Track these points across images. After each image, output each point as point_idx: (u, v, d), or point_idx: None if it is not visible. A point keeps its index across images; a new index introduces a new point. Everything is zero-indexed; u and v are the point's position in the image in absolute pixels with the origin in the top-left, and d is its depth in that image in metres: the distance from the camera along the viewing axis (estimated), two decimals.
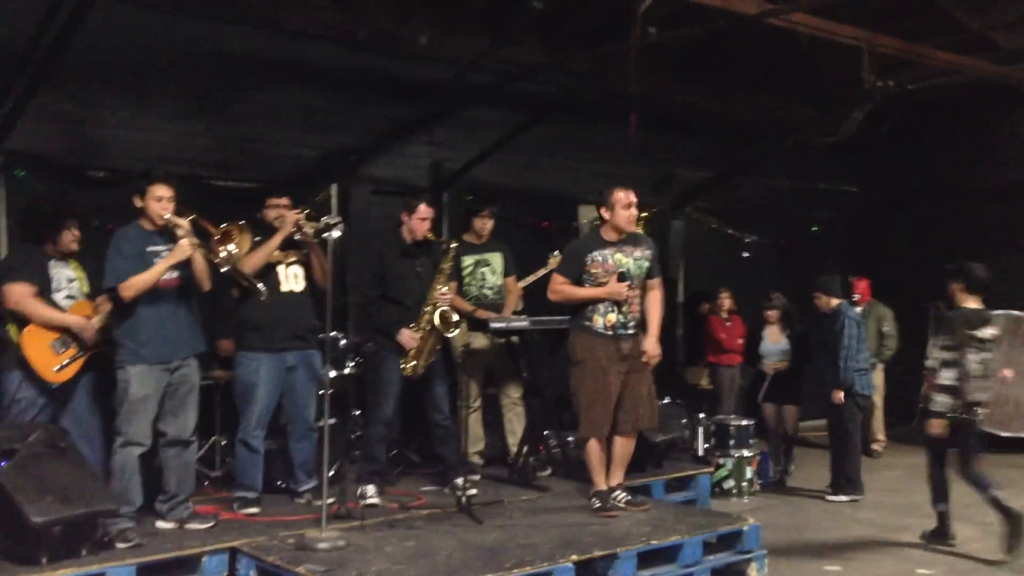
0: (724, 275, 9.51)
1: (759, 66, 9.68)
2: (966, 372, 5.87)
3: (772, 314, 8.22)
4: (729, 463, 7.59)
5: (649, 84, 8.28)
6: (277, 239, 5.53)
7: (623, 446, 5.67)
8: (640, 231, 5.97)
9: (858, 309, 9.33)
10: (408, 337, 5.84)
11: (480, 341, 6.58)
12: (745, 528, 5.37)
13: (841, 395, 7.47)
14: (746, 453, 7.63)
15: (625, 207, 5.57)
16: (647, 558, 4.95)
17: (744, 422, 7.73)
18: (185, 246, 5.00)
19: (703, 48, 8.78)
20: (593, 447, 5.58)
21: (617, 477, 5.73)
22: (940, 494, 6.23)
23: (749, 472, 7.63)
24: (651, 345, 5.61)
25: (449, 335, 5.98)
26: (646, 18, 6.92)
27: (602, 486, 5.60)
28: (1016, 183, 10.44)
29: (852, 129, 8.70)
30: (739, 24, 7.48)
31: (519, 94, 8.48)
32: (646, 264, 5.67)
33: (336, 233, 5.04)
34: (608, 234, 5.62)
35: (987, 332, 5.98)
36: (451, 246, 6.10)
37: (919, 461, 7.98)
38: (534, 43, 8.64)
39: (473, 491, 5.76)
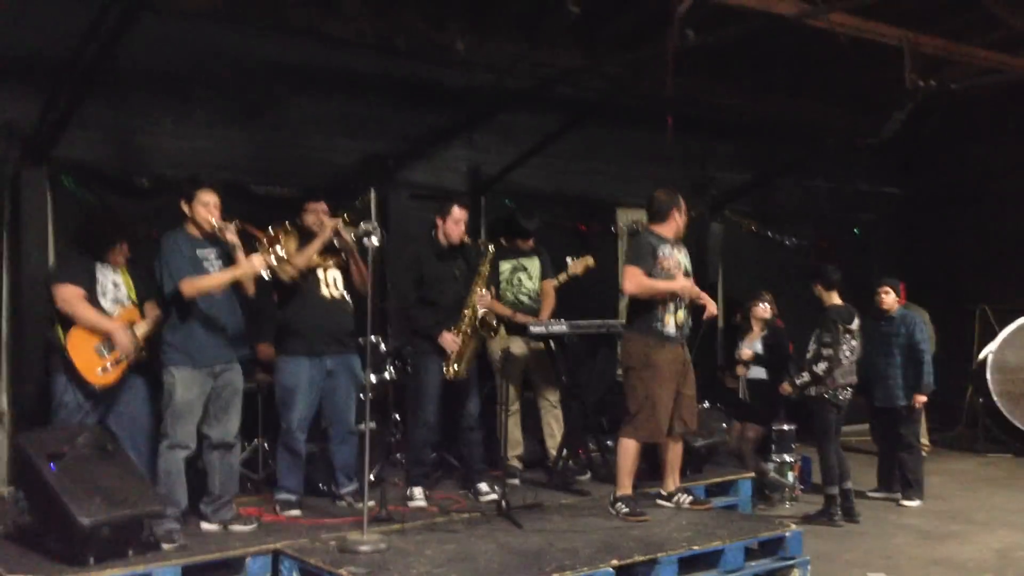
0: (763, 279, 9.44)
1: (798, 67, 9.61)
2: (838, 360, 6.78)
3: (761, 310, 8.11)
4: (771, 468, 7.51)
5: (687, 86, 8.26)
6: (317, 244, 5.58)
7: (676, 450, 5.72)
8: None
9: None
10: (450, 340, 5.86)
11: (518, 345, 6.60)
12: (788, 534, 5.32)
13: (924, 399, 7.47)
14: (788, 458, 7.55)
15: (683, 212, 5.77)
16: (688, 563, 4.93)
17: (786, 427, 7.66)
18: (257, 263, 5.09)
19: (741, 50, 8.73)
20: (633, 450, 5.56)
21: (675, 480, 5.77)
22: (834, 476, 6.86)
23: (791, 477, 7.56)
24: (706, 297, 5.76)
25: (489, 338, 6.00)
26: (684, 20, 6.90)
27: (628, 490, 5.58)
28: None
29: (893, 130, 8.61)
30: (778, 25, 7.42)
31: (556, 98, 8.48)
32: (689, 265, 5.78)
33: (375, 240, 5.08)
34: (666, 232, 5.67)
35: (855, 324, 6.94)
36: (489, 249, 6.12)
37: (963, 467, 7.94)
38: (571, 47, 8.65)
39: (492, 496, 5.80)
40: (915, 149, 10.98)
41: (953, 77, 8.84)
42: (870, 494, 7.70)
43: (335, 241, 5.62)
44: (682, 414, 5.61)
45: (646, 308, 5.56)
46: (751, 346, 8.04)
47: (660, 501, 5.77)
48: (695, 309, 5.78)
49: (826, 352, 6.81)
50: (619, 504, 5.55)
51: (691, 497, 5.74)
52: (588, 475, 6.70)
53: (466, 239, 6.05)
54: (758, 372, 7.98)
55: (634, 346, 5.60)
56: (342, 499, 5.78)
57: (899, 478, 7.63)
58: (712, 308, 5.81)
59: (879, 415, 7.72)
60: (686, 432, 5.74)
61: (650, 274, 5.55)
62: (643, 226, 5.93)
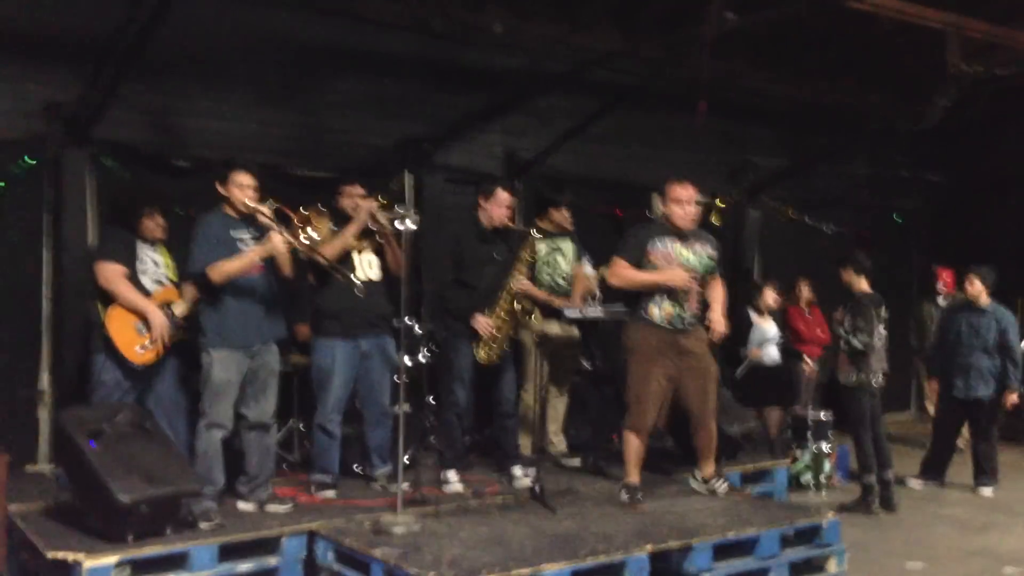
0: (801, 265, 9.33)
1: (838, 51, 9.45)
2: (873, 347, 6.72)
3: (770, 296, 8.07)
4: (807, 456, 7.46)
5: (725, 70, 8.16)
6: (353, 228, 5.58)
7: (704, 438, 5.65)
8: (702, 229, 5.83)
9: (942, 300, 9.14)
10: (484, 323, 5.85)
11: (554, 329, 6.57)
12: (824, 523, 5.27)
13: (1016, 397, 7.46)
14: (824, 447, 7.48)
15: (677, 203, 5.53)
16: (723, 550, 4.89)
17: (823, 415, 7.59)
18: (278, 241, 5.07)
19: (781, 33, 8.60)
20: (632, 440, 5.53)
21: (709, 467, 5.72)
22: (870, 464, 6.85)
23: (827, 466, 7.49)
24: (716, 316, 5.53)
25: (524, 324, 5.98)
26: (724, 2, 6.81)
27: (634, 479, 5.55)
28: None
29: (937, 116, 8.45)
30: (818, 8, 7.30)
31: (593, 82, 8.41)
32: (707, 260, 5.61)
33: (409, 224, 5.07)
34: (671, 222, 5.57)
35: (884, 312, 6.91)
36: (532, 235, 6.07)
37: (1004, 457, 7.83)
38: (609, 30, 8.57)
39: (527, 481, 5.79)
40: (958, 135, 10.77)
41: (999, 62, 8.65)
42: (911, 483, 7.64)
43: (370, 224, 5.61)
44: (691, 404, 5.52)
45: (634, 297, 5.54)
46: (765, 331, 7.94)
47: (694, 485, 5.74)
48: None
49: (862, 337, 6.73)
50: (622, 491, 5.54)
51: (725, 484, 5.70)
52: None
53: (509, 223, 6.01)
54: (772, 356, 7.92)
55: (627, 333, 5.59)
56: (376, 481, 5.81)
57: (975, 467, 7.65)
58: (717, 329, 5.54)
59: (955, 405, 7.65)
60: (711, 419, 5.61)
61: (638, 265, 5.49)
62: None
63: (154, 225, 5.43)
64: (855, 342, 6.76)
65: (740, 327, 8.03)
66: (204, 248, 5.08)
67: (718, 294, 5.64)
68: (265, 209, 5.12)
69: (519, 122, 8.63)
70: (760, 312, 8.07)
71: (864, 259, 7.05)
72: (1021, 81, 9.34)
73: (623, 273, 5.52)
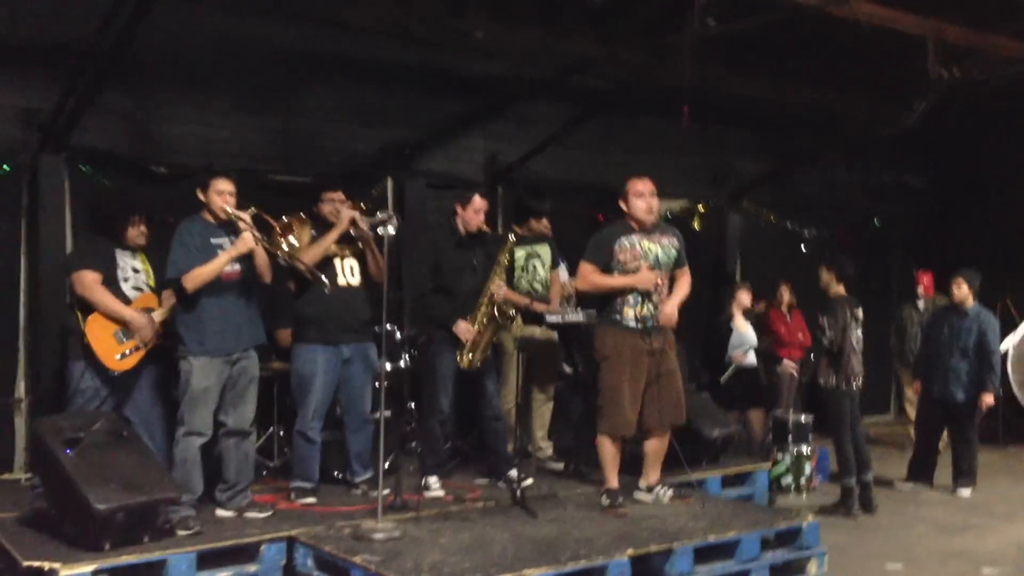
0: (782, 269, 9.37)
1: (819, 56, 9.49)
2: (840, 347, 6.77)
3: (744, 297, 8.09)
4: (787, 459, 7.47)
5: (706, 76, 8.18)
6: (334, 234, 5.56)
7: (657, 444, 5.61)
8: (663, 223, 5.85)
9: (921, 304, 9.20)
10: (465, 329, 5.84)
11: (535, 333, 6.57)
12: (804, 525, 5.28)
13: (991, 399, 7.50)
14: (805, 449, 7.51)
15: (637, 196, 5.50)
16: (704, 553, 4.90)
17: (803, 417, 7.61)
18: (248, 239, 5.06)
19: (761, 39, 8.64)
20: (607, 445, 5.51)
21: (655, 474, 5.69)
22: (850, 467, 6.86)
23: (808, 468, 7.51)
24: (670, 306, 5.47)
25: (506, 328, 5.98)
26: (704, 9, 6.84)
27: (613, 484, 5.53)
28: None
29: (916, 120, 8.51)
30: (799, 14, 7.34)
31: (575, 87, 8.44)
32: (674, 252, 5.60)
33: (390, 230, 5.06)
34: (632, 223, 5.56)
35: (860, 313, 6.93)
36: (510, 239, 6.09)
37: (983, 459, 7.88)
38: (590, 36, 8.58)
39: (529, 481, 5.81)
40: (938, 140, 10.85)
41: (977, 67, 8.71)
42: (898, 485, 7.68)
43: (352, 231, 5.60)
44: (659, 406, 5.46)
45: (605, 300, 5.52)
46: (743, 334, 7.98)
47: (638, 495, 5.68)
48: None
49: (830, 334, 6.78)
50: (603, 496, 5.51)
51: (670, 491, 5.65)
52: None
53: (485, 228, 6.03)
54: (748, 358, 7.98)
55: (597, 337, 5.56)
56: (357, 487, 5.79)
57: (953, 468, 7.67)
58: (665, 318, 5.46)
59: (934, 406, 7.70)
60: (668, 426, 5.56)
61: (606, 268, 5.48)
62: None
63: (137, 233, 5.40)
64: (824, 340, 6.81)
65: (720, 332, 8.07)
66: (181, 255, 5.06)
67: (682, 286, 5.62)
68: (245, 216, 5.10)
69: (500, 128, 8.64)
70: (735, 315, 8.09)
71: (847, 265, 7.04)
72: (999, 85, 9.43)
73: (590, 278, 5.52)
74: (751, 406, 7.79)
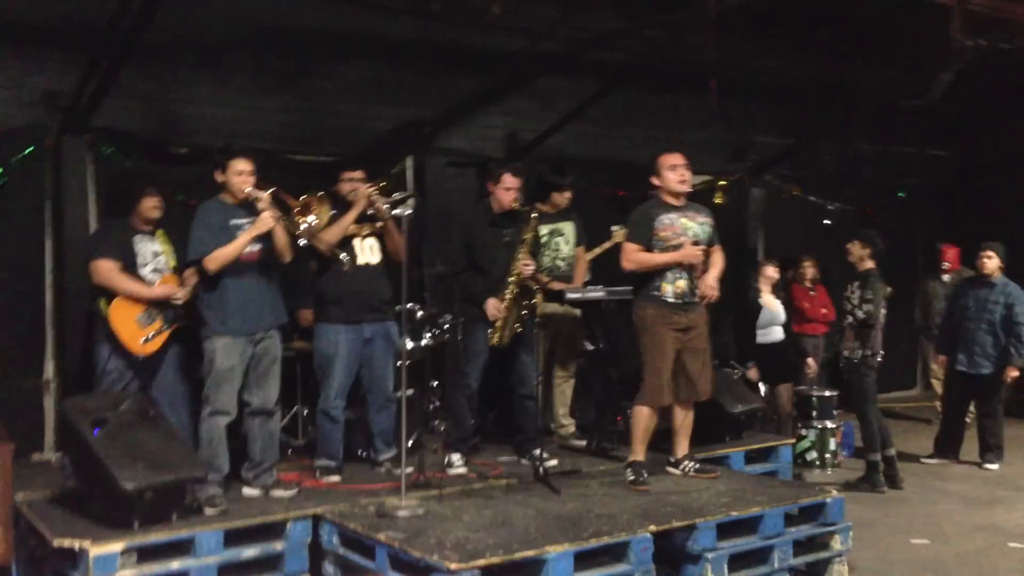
0: (805, 243, 9.31)
1: (841, 27, 9.38)
2: (878, 321, 6.85)
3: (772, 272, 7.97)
4: (812, 434, 7.46)
5: (726, 49, 8.09)
6: (352, 214, 5.57)
7: (685, 417, 5.65)
8: (692, 201, 5.81)
9: (946, 277, 9.12)
10: (493, 307, 5.86)
11: (556, 311, 6.56)
12: (828, 500, 5.26)
13: (1016, 372, 7.44)
14: (829, 424, 7.49)
15: (671, 168, 5.54)
16: (727, 529, 4.89)
17: (827, 393, 7.58)
18: (267, 218, 5.07)
19: (782, 10, 8.54)
20: (645, 414, 5.52)
21: (683, 447, 5.71)
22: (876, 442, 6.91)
23: (832, 443, 7.49)
24: (711, 278, 5.51)
25: (529, 306, 5.98)
26: None
27: (640, 456, 5.55)
28: None
29: (940, 91, 8.40)
30: None
31: (593, 62, 8.37)
32: (709, 230, 5.62)
33: (408, 210, 5.05)
34: (667, 198, 5.57)
35: (887, 288, 7.04)
36: (532, 216, 6.08)
37: (1009, 432, 7.83)
38: (608, 10, 8.51)
39: (553, 462, 5.83)
40: (962, 111, 10.71)
41: (1002, 36, 8.58)
42: (924, 460, 7.65)
43: (370, 210, 5.61)
44: (688, 380, 5.52)
45: (645, 277, 5.53)
46: (772, 311, 7.89)
47: (668, 468, 5.73)
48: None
49: (867, 307, 6.80)
50: (628, 471, 5.53)
51: (696, 465, 5.68)
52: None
53: (516, 206, 6.02)
54: (776, 333, 7.86)
55: (637, 311, 5.58)
56: (381, 465, 5.82)
57: (980, 442, 7.66)
58: (707, 292, 5.49)
59: (960, 380, 7.65)
60: (697, 399, 5.62)
61: (648, 247, 5.50)
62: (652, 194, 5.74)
63: (152, 206, 5.40)
64: (860, 313, 6.79)
65: (750, 309, 7.95)
66: (201, 235, 5.09)
67: (717, 260, 5.64)
68: (264, 196, 5.11)
69: (520, 104, 8.60)
70: (762, 291, 8.02)
71: (877, 239, 7.06)
72: None
73: (636, 257, 5.51)
74: (779, 381, 7.74)
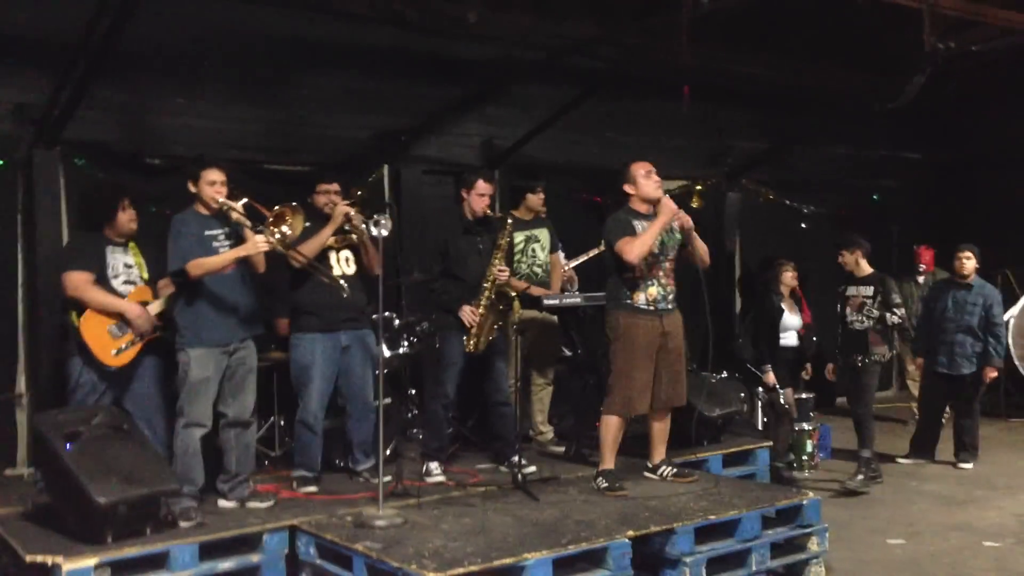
0: (782, 247, 9.35)
1: (815, 32, 9.44)
2: (892, 324, 7.06)
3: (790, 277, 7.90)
4: (790, 436, 7.47)
5: (701, 55, 8.13)
6: (329, 230, 5.57)
7: (662, 423, 5.67)
8: None
9: (922, 279, 9.19)
10: (468, 312, 5.86)
11: (534, 317, 6.57)
12: (805, 502, 5.28)
13: (995, 372, 7.56)
14: (806, 426, 7.52)
15: (646, 175, 5.56)
16: (705, 533, 4.91)
17: (804, 395, 7.61)
18: (259, 242, 5.07)
19: (756, 15, 8.59)
20: (614, 424, 5.52)
21: (660, 452, 5.73)
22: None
23: (809, 446, 7.52)
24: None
25: (504, 312, 5.99)
26: None
27: (610, 465, 5.55)
28: None
29: (913, 94, 8.47)
30: None
31: (569, 69, 8.39)
32: (678, 235, 5.62)
33: (383, 232, 5.02)
34: (639, 206, 5.57)
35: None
36: (508, 222, 6.09)
37: (984, 432, 7.90)
38: (584, 17, 8.53)
39: (532, 468, 5.84)
40: (935, 113, 10.81)
41: (974, 39, 8.67)
42: (900, 460, 7.71)
43: (346, 226, 5.61)
44: (665, 387, 5.52)
45: (617, 284, 5.53)
46: (791, 316, 7.84)
47: (646, 473, 5.74)
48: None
49: (900, 311, 7.05)
50: (599, 479, 5.52)
51: (674, 469, 5.69)
52: None
53: (489, 212, 6.04)
54: (791, 338, 7.80)
55: (609, 320, 5.57)
56: (360, 476, 5.80)
57: (955, 441, 7.73)
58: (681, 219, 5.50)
59: (938, 381, 7.71)
60: (672, 406, 5.64)
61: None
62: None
63: (128, 219, 5.38)
64: (894, 317, 6.96)
65: (772, 315, 7.80)
66: (182, 244, 5.08)
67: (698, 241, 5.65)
68: (237, 206, 5.10)
69: (496, 112, 8.61)
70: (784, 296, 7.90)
71: (860, 239, 7.25)
72: (995, 58, 9.38)
73: (633, 243, 5.39)
74: (789, 385, 7.70)
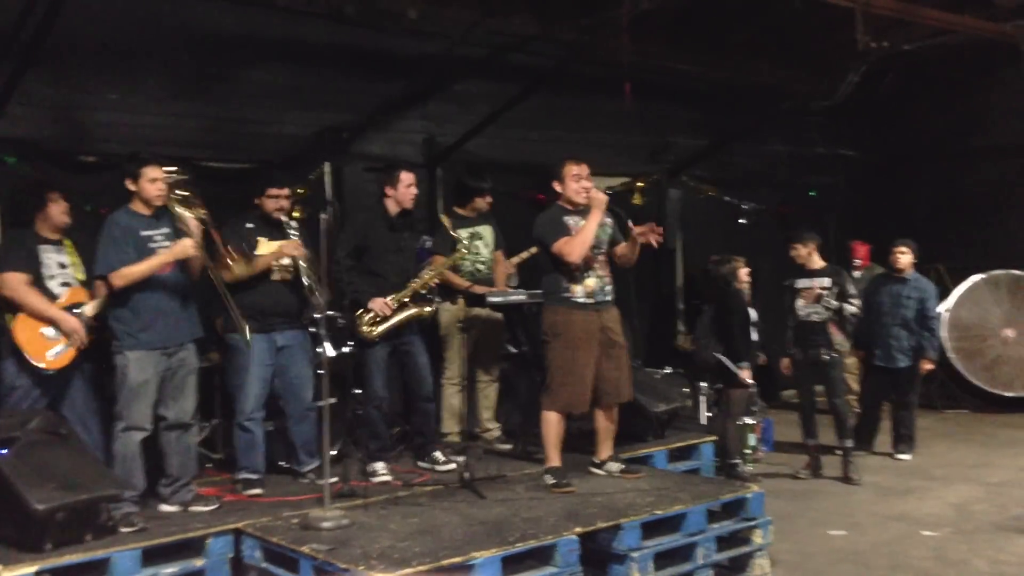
0: (722, 243, 9.46)
1: (753, 31, 9.59)
2: (848, 315, 7.15)
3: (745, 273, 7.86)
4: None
5: (642, 52, 8.20)
6: (267, 260, 5.54)
7: (607, 419, 5.67)
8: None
9: (857, 274, 9.36)
10: (381, 303, 5.82)
11: (479, 314, 6.56)
12: (749, 495, 5.34)
13: (930, 365, 7.71)
14: (749, 421, 7.60)
15: (575, 178, 5.54)
16: (651, 528, 4.93)
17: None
18: (188, 246, 4.99)
19: (696, 14, 8.69)
20: (554, 421, 5.52)
21: (607, 448, 5.73)
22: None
23: (752, 439, 7.61)
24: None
25: (423, 312, 5.97)
26: None
27: (556, 462, 5.55)
28: (1014, 143, 10.38)
29: (847, 92, 8.64)
30: None
31: (511, 66, 8.41)
32: (609, 231, 5.62)
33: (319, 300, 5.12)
34: (566, 205, 5.58)
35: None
36: (456, 237, 6.18)
37: (920, 423, 8.08)
38: (524, 13, 8.56)
39: (451, 466, 5.88)
40: (870, 111, 11.03)
41: (905, 38, 8.87)
42: (839, 451, 7.81)
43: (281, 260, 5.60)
44: (610, 383, 5.52)
45: (554, 279, 5.51)
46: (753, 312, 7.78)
47: (593, 469, 5.74)
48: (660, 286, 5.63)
49: (856, 302, 7.14)
50: (547, 476, 5.52)
51: (621, 465, 5.71)
52: None
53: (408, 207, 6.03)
54: (753, 334, 7.73)
55: (547, 316, 5.56)
56: (305, 476, 5.73)
57: (893, 433, 7.89)
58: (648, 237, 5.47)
59: (877, 374, 7.86)
60: (618, 402, 5.64)
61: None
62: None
63: (60, 211, 5.22)
64: (852, 308, 7.06)
65: (741, 314, 7.77)
66: (109, 250, 4.95)
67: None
68: (190, 220, 5.00)
69: (438, 108, 8.59)
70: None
71: (813, 233, 7.44)
72: (928, 56, 9.62)
73: (573, 243, 5.38)
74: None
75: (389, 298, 5.86)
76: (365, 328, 5.83)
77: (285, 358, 5.65)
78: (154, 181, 5.03)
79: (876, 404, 8.04)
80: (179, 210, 5.05)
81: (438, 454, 6.02)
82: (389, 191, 6.01)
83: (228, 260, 5.28)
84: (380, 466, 5.84)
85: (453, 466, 5.87)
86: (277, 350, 5.62)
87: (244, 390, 5.52)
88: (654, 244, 5.50)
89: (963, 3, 8.84)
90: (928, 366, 7.70)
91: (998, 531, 5.78)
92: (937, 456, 7.83)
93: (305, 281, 5.56)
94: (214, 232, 5.19)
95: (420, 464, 6.04)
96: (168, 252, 5.00)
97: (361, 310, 5.84)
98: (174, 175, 5.15)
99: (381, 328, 5.85)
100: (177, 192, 5.11)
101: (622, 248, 5.63)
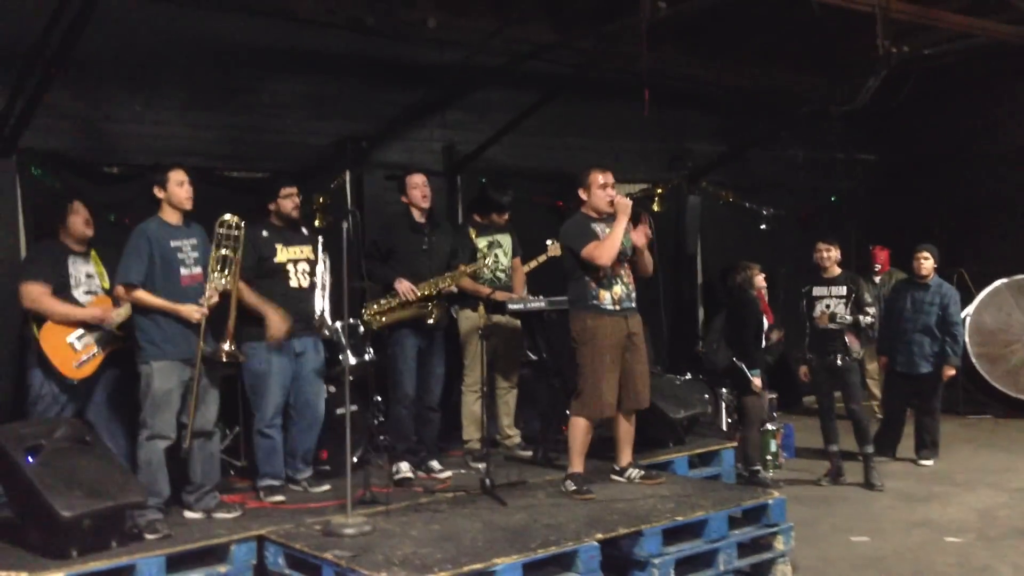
0: (742, 250, 9.44)
1: (771, 36, 9.58)
2: (865, 325, 7.14)
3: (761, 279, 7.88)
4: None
5: (660, 59, 8.21)
6: (262, 309, 5.50)
7: (628, 425, 5.69)
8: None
9: (878, 279, 9.33)
10: (407, 286, 5.90)
11: (499, 322, 6.59)
12: (770, 502, 5.34)
13: (953, 371, 7.65)
14: (770, 427, 7.59)
15: (602, 187, 5.60)
16: (672, 534, 4.94)
17: (768, 395, 7.69)
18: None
19: (714, 20, 8.69)
20: (583, 427, 5.54)
21: (627, 455, 5.76)
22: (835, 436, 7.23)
23: (774, 445, 7.60)
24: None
25: (427, 314, 6.01)
26: None
27: (579, 468, 5.57)
28: None
29: (867, 97, 8.61)
30: None
31: (529, 74, 8.43)
32: (629, 240, 5.65)
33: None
34: (591, 212, 5.63)
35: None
36: (485, 261, 6.39)
37: (944, 429, 8.01)
38: (543, 22, 8.59)
39: (447, 473, 5.98)
40: (890, 116, 10.99)
41: (925, 43, 8.84)
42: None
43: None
44: (632, 389, 5.57)
45: (581, 286, 5.55)
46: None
47: (613, 476, 5.77)
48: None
49: (873, 311, 7.14)
50: (568, 482, 5.53)
51: (641, 472, 5.72)
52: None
53: (424, 206, 6.13)
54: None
55: (576, 323, 5.59)
56: (298, 484, 5.74)
57: (916, 439, 7.84)
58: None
59: (900, 380, 7.82)
60: (638, 407, 5.67)
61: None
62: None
63: (82, 222, 5.30)
64: (868, 317, 7.04)
65: (757, 320, 7.72)
66: (132, 262, 4.98)
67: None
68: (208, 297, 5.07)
69: (457, 117, 8.62)
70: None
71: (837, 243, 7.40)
72: (947, 60, 9.58)
73: (602, 247, 5.44)
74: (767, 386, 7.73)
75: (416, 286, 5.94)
76: (369, 315, 5.92)
77: (301, 364, 5.70)
78: (182, 184, 5.09)
79: (899, 410, 8.00)
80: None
81: (435, 463, 6.06)
82: (404, 199, 6.18)
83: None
84: (404, 465, 5.89)
85: (450, 473, 5.96)
86: (295, 356, 5.66)
87: (264, 397, 5.57)
88: (643, 239, 5.62)
89: (984, 7, 8.81)
90: (951, 372, 7.65)
91: (1022, 537, 5.74)
92: (960, 462, 7.78)
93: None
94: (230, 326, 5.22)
95: (419, 473, 6.05)
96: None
97: (370, 300, 5.94)
98: None
99: (384, 320, 5.94)
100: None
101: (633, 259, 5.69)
